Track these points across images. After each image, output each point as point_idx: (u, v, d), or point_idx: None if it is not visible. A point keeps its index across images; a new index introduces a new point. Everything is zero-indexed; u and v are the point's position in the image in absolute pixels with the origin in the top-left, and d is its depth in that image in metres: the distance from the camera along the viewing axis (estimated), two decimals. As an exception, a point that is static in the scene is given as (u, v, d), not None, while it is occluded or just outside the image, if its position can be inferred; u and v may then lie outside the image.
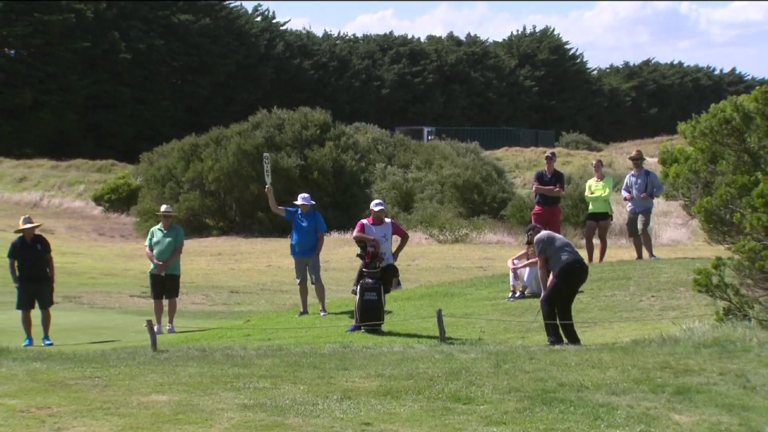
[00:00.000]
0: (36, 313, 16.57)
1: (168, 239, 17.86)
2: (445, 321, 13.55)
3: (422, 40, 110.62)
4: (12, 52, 74.18)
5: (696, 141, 12.51)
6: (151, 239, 18.07)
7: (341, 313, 17.21)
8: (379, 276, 15.16)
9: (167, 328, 17.49)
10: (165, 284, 17.76)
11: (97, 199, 51.40)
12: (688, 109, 19.27)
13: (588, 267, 13.65)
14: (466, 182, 44.13)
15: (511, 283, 17.20)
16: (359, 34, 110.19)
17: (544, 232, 13.47)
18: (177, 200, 41.97)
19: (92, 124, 75.54)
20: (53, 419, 7.94)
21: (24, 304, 16.57)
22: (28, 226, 16.78)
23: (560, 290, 12.98)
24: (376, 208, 15.83)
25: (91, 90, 74.87)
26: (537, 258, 13.67)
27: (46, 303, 16.67)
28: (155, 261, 17.75)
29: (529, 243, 14.05)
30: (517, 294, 17.05)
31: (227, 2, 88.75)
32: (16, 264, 16.66)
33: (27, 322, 16.52)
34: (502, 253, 29.85)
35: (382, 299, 15.13)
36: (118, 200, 50.26)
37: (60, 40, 72.79)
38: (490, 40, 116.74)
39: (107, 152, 66.76)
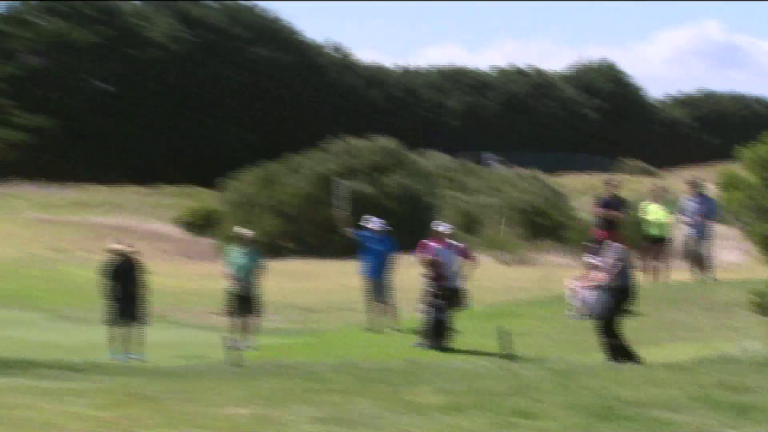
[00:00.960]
0: (126, 330, 16.75)
1: (247, 260, 18.00)
2: (508, 338, 13.46)
3: (486, 71, 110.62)
4: (104, 85, 75.41)
5: (755, 167, 12.33)
6: (230, 260, 18.22)
7: (409, 330, 17.18)
8: (445, 295, 15.14)
9: (246, 344, 17.58)
10: (244, 302, 17.88)
11: (180, 223, 51.88)
12: (745, 137, 18.99)
13: (641, 288, 13.50)
14: (528, 206, 43.91)
15: (571, 302, 17.07)
16: (427, 66, 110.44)
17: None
18: (255, 223, 42.20)
19: (176, 152, 76.43)
20: (141, 431, 8.00)
21: (115, 321, 16.78)
22: (121, 247, 17.02)
23: (615, 309, 12.86)
24: (443, 231, 15.82)
25: (175, 120, 75.83)
26: (602, 272, 13.51)
27: (137, 320, 16.85)
28: (234, 280, 17.88)
29: (593, 263, 13.91)
30: (578, 314, 16.90)
31: (299, 35, 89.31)
32: (109, 283, 16.88)
33: (117, 338, 16.71)
34: (563, 274, 29.58)
35: (447, 318, 15.09)
36: (200, 223, 50.69)
37: (147, 74, 73.91)
38: (552, 71, 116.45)
39: (190, 178, 67.47)
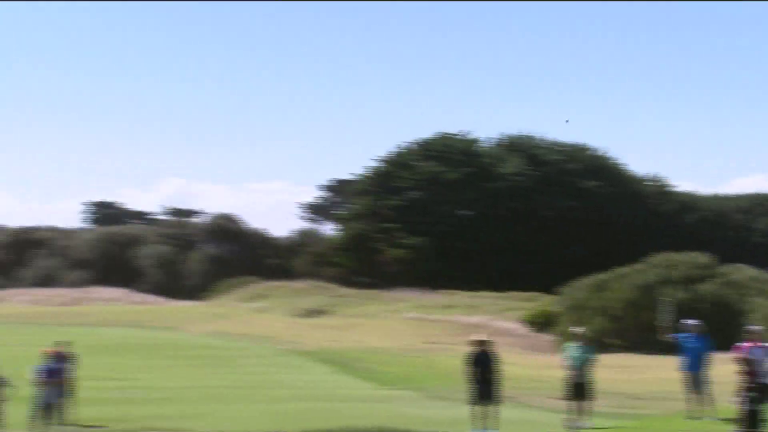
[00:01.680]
0: (484, 408, 16.79)
1: (581, 353, 17.66)
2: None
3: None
4: (465, 212, 77.49)
5: None
6: (567, 353, 17.94)
7: (725, 419, 16.01)
8: (758, 389, 14.02)
9: (582, 425, 17.12)
10: (579, 389, 17.47)
11: (525, 321, 51.81)
12: None
13: None
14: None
15: None
16: (734, 193, 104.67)
17: None
18: (586, 323, 41.32)
19: (521, 264, 76.68)
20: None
21: (476, 401, 16.89)
22: (482, 339, 17.28)
23: None
24: (754, 332, 14.75)
25: (521, 239, 76.34)
26: None
27: (494, 401, 16.88)
28: (571, 370, 17.55)
29: None
30: None
31: (623, 169, 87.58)
32: (471, 369, 17.08)
33: (478, 416, 16.79)
34: None
35: (761, 409, 13.94)
36: (541, 322, 50.37)
37: (499, 202, 75.33)
38: None
39: (533, 286, 67.36)
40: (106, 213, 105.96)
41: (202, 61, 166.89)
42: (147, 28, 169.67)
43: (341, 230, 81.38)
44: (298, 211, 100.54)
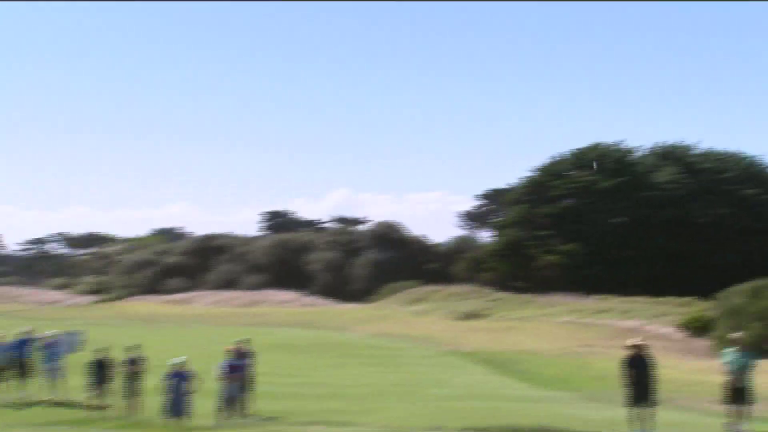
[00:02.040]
0: (641, 410, 16.28)
1: (740, 358, 16.85)
2: None
3: None
4: (619, 219, 75.36)
5: None
6: (726, 358, 17.18)
7: None
8: None
9: (742, 429, 16.32)
10: (738, 393, 16.67)
11: (680, 326, 49.83)
12: None
13: None
14: None
15: None
16: None
17: None
18: (744, 328, 39.25)
19: (675, 270, 73.78)
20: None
21: (633, 403, 16.41)
22: (638, 343, 16.83)
23: None
24: None
25: (674, 246, 73.48)
26: None
27: (651, 403, 16.36)
28: (730, 375, 16.77)
29: None
30: None
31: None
32: (627, 372, 16.61)
33: (635, 418, 16.30)
34: None
35: None
36: (696, 326, 48.32)
37: (652, 210, 72.84)
38: None
39: (687, 291, 64.74)
40: (279, 221, 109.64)
41: (368, 83, 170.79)
42: (327, 54, 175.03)
43: (497, 237, 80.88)
44: (456, 219, 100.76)
